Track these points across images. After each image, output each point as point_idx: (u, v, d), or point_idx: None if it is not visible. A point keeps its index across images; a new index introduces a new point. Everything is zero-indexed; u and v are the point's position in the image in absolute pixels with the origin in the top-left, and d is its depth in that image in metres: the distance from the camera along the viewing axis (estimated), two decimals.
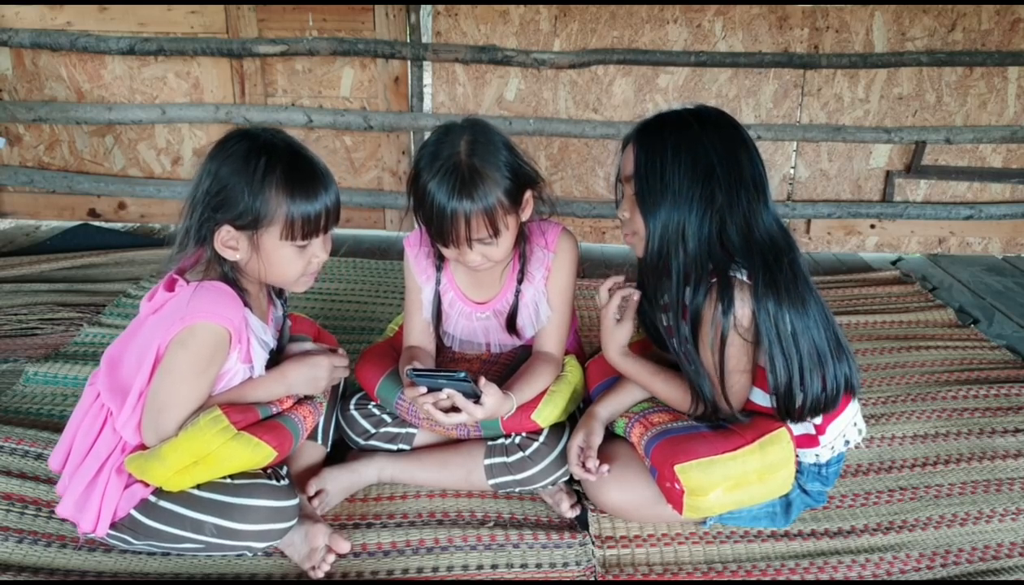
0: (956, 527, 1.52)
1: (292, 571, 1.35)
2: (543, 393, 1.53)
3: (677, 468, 1.32)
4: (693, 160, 1.32)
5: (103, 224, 3.19)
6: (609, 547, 1.43)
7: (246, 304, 1.32)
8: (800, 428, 1.42)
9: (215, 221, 1.26)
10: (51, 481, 1.48)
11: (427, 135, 1.60)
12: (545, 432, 1.52)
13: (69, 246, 2.90)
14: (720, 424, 1.39)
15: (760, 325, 1.29)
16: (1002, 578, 1.38)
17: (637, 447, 1.44)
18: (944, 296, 2.72)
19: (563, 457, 1.50)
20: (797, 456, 1.41)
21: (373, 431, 1.60)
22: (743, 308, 1.29)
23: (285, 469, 1.39)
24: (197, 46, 2.92)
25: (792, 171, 3.18)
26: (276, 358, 1.44)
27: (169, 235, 3.13)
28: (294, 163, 1.28)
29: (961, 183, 3.12)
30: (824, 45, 2.96)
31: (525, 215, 1.50)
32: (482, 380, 1.40)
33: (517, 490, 1.54)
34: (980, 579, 1.38)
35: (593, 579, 1.37)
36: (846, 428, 1.44)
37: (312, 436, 1.55)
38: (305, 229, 1.29)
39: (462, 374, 1.35)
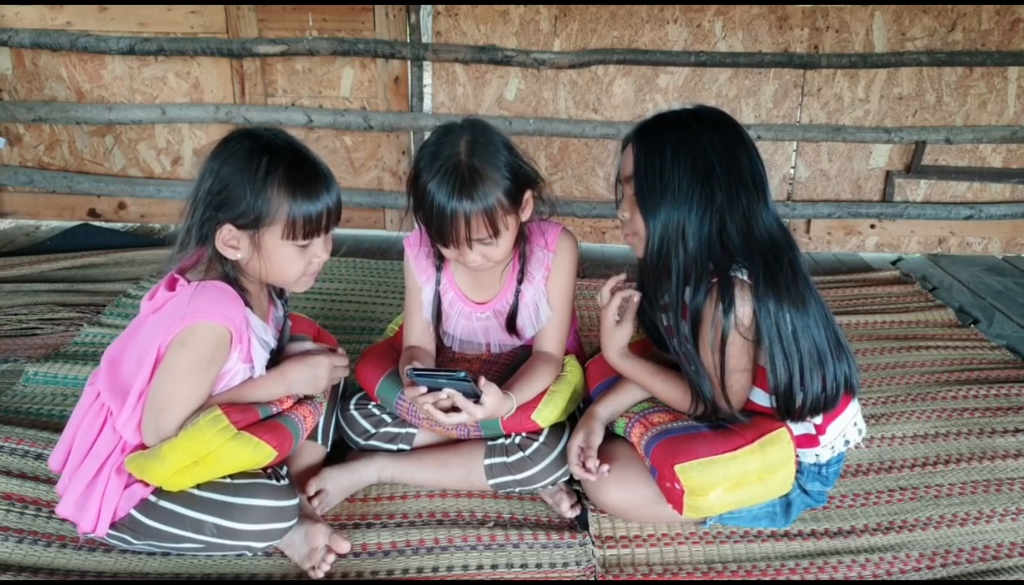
0: (956, 527, 1.52)
1: (292, 571, 1.35)
2: (543, 393, 1.53)
3: (677, 468, 1.32)
4: (692, 160, 1.32)
5: (103, 224, 3.19)
6: (609, 547, 1.43)
7: (247, 304, 1.32)
8: (800, 428, 1.42)
9: (217, 220, 1.26)
10: (51, 481, 1.48)
11: (427, 135, 1.60)
12: (545, 432, 1.52)
13: (69, 246, 2.90)
14: (720, 424, 1.39)
15: (761, 324, 1.29)
16: (1002, 578, 1.38)
17: (637, 447, 1.44)
18: (944, 296, 2.72)
19: (563, 457, 1.50)
20: (797, 456, 1.41)
21: (373, 431, 1.60)
22: (744, 307, 1.29)
23: (285, 469, 1.39)
24: (197, 46, 2.92)
25: (792, 171, 3.18)
26: (276, 358, 1.44)
27: (169, 235, 3.13)
28: (296, 163, 1.29)
29: (961, 183, 3.12)
30: (824, 45, 2.96)
31: (525, 215, 1.50)
32: (482, 380, 1.40)
33: (517, 490, 1.54)
34: (980, 579, 1.38)
35: (593, 579, 1.37)
36: (846, 428, 1.44)
37: (312, 436, 1.55)
38: (306, 229, 1.29)
39: (462, 374, 1.35)
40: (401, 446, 1.61)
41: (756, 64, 2.95)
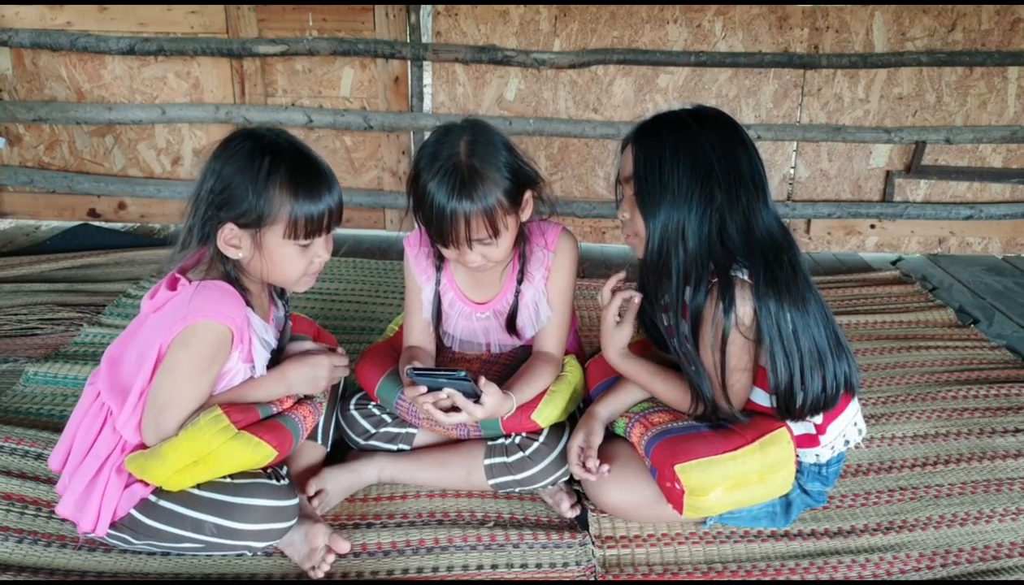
0: (956, 527, 1.52)
1: (292, 571, 1.35)
2: (543, 393, 1.53)
3: (677, 468, 1.32)
4: (692, 160, 1.32)
5: (103, 224, 3.19)
6: (609, 547, 1.43)
7: (248, 303, 1.32)
8: (800, 428, 1.42)
9: (218, 219, 1.27)
10: (51, 481, 1.48)
11: (427, 135, 1.61)
12: (545, 432, 1.52)
13: (69, 246, 2.90)
14: (720, 424, 1.39)
15: (761, 323, 1.29)
16: (1002, 578, 1.38)
17: (637, 447, 1.44)
18: (944, 296, 2.72)
19: (563, 457, 1.50)
20: (797, 456, 1.41)
21: (373, 431, 1.60)
22: (744, 306, 1.29)
23: (285, 469, 1.39)
24: (197, 46, 2.92)
25: (792, 171, 3.18)
26: (276, 358, 1.44)
27: (169, 235, 3.13)
28: (298, 163, 1.29)
29: (961, 183, 3.12)
30: (824, 45, 2.96)
31: (525, 215, 1.50)
32: (482, 380, 1.40)
33: (517, 490, 1.54)
34: (980, 579, 1.38)
35: (593, 579, 1.37)
36: (846, 428, 1.44)
37: (312, 436, 1.55)
38: (308, 228, 1.29)
39: (462, 374, 1.35)
40: (401, 446, 1.61)
41: (756, 64, 2.95)
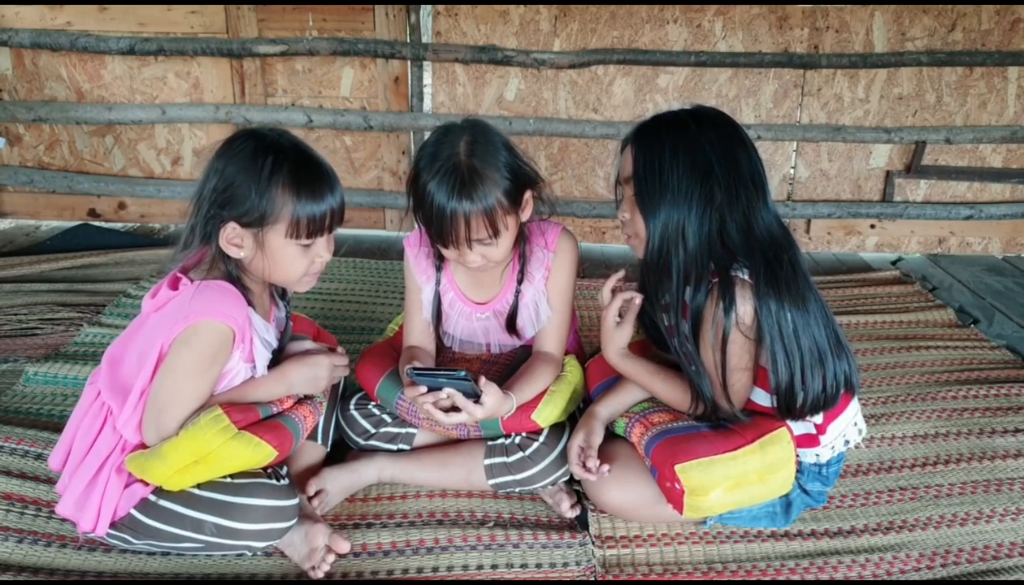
0: (956, 527, 1.52)
1: (292, 571, 1.35)
2: (543, 393, 1.53)
3: (677, 468, 1.32)
4: (691, 159, 1.32)
5: (103, 224, 3.19)
6: (609, 547, 1.43)
7: (249, 303, 1.33)
8: (800, 428, 1.42)
9: (221, 218, 1.27)
10: (51, 481, 1.48)
11: (427, 135, 1.61)
12: (545, 432, 1.52)
13: (69, 246, 2.90)
14: (720, 424, 1.39)
15: (762, 322, 1.29)
16: (1002, 578, 1.38)
17: (637, 447, 1.44)
18: (944, 296, 2.72)
19: (563, 457, 1.50)
20: (797, 456, 1.41)
21: (373, 431, 1.60)
22: (745, 306, 1.29)
23: (285, 469, 1.39)
24: (197, 46, 2.92)
25: (792, 171, 3.18)
26: (276, 358, 1.44)
27: (169, 235, 3.13)
28: (301, 163, 1.29)
29: (961, 183, 3.12)
30: (824, 45, 2.96)
31: (525, 215, 1.50)
32: (482, 380, 1.40)
33: (517, 490, 1.54)
34: (980, 579, 1.38)
35: (593, 579, 1.37)
36: (846, 428, 1.44)
37: (312, 436, 1.55)
38: (310, 228, 1.29)
39: (462, 373, 1.35)
40: (401, 446, 1.61)
41: (756, 64, 2.95)
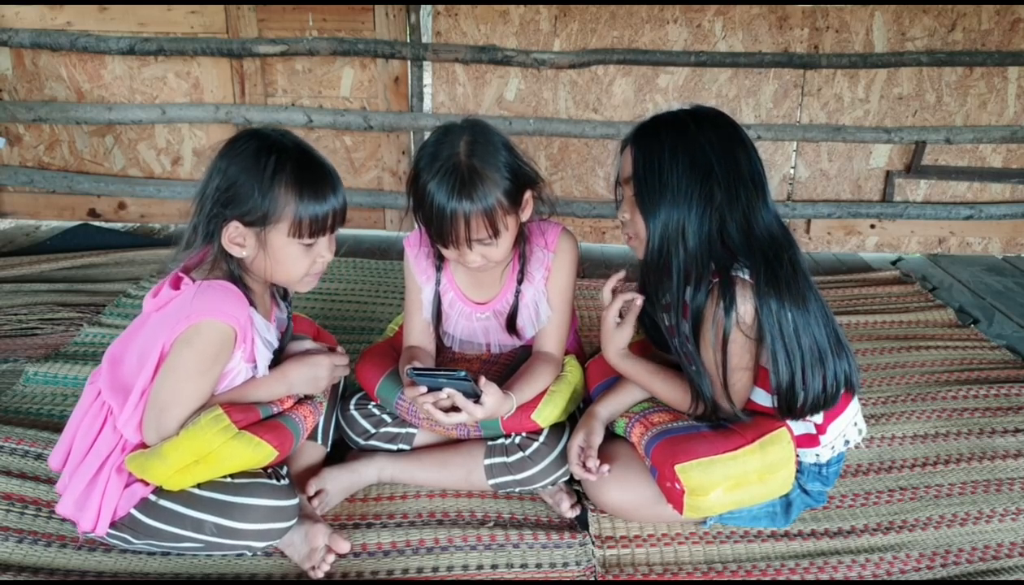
0: (956, 527, 1.52)
1: (292, 571, 1.35)
2: (543, 393, 1.53)
3: (677, 468, 1.32)
4: (691, 159, 1.32)
5: (103, 224, 3.19)
6: (609, 547, 1.43)
7: (251, 303, 1.33)
8: (801, 427, 1.42)
9: (223, 217, 1.27)
10: (51, 481, 1.48)
11: (427, 135, 1.61)
12: (545, 432, 1.52)
13: (69, 246, 2.90)
14: (720, 424, 1.40)
15: (763, 322, 1.29)
16: (1002, 578, 1.38)
17: (637, 447, 1.44)
18: (944, 296, 2.72)
19: (563, 457, 1.50)
20: (797, 456, 1.41)
21: (373, 431, 1.60)
22: (745, 305, 1.29)
23: (285, 469, 1.39)
24: (197, 46, 2.92)
25: (792, 171, 3.18)
26: (276, 359, 1.44)
27: (169, 235, 3.13)
28: (304, 163, 1.30)
29: (961, 183, 3.12)
30: (824, 45, 2.96)
31: (525, 215, 1.50)
32: (482, 380, 1.40)
33: (517, 490, 1.54)
34: (980, 579, 1.38)
35: (593, 579, 1.37)
36: (846, 428, 1.44)
37: (312, 436, 1.55)
38: (312, 228, 1.30)
39: (462, 374, 1.35)
40: (401, 446, 1.61)
41: (756, 64, 2.95)
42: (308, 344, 1.51)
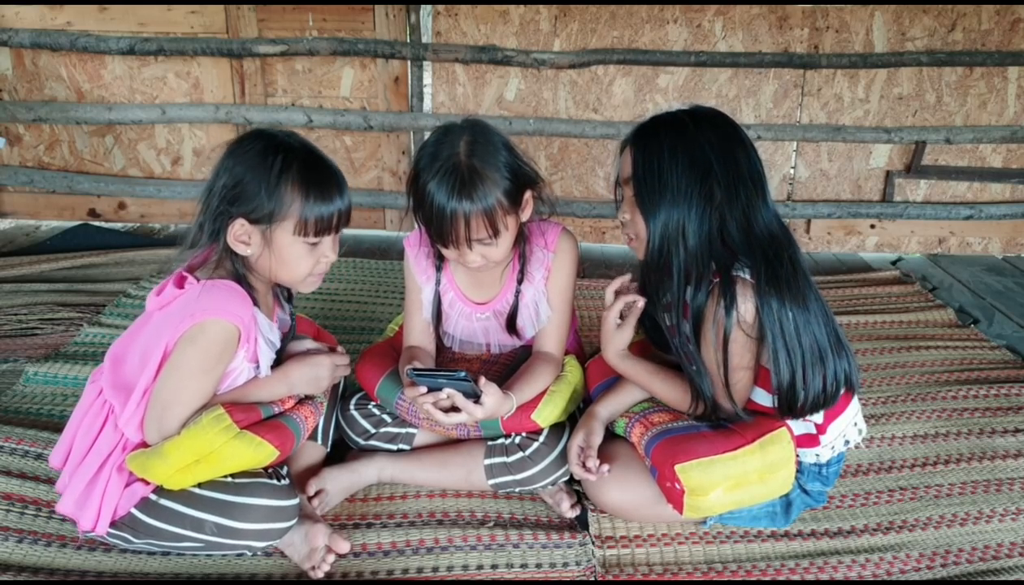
0: (956, 527, 1.52)
1: (292, 571, 1.35)
2: (543, 393, 1.53)
3: (677, 468, 1.32)
4: (690, 159, 1.32)
5: (103, 224, 3.19)
6: (609, 547, 1.43)
7: (255, 302, 1.33)
8: (801, 427, 1.42)
9: (229, 214, 1.28)
10: (51, 481, 1.48)
11: (427, 135, 1.61)
12: (545, 432, 1.52)
13: (69, 246, 2.90)
14: (720, 424, 1.40)
15: (764, 321, 1.29)
16: (1002, 578, 1.38)
17: (637, 447, 1.44)
18: (944, 296, 2.72)
19: (563, 457, 1.50)
20: (797, 456, 1.41)
21: (373, 431, 1.60)
22: (746, 304, 1.29)
23: (285, 469, 1.39)
24: (197, 46, 2.92)
25: (792, 171, 3.18)
26: (277, 359, 1.44)
27: (169, 235, 3.13)
28: (310, 163, 1.31)
29: (961, 183, 3.12)
30: (824, 45, 2.96)
31: (525, 215, 1.50)
32: (482, 380, 1.40)
33: (517, 490, 1.54)
34: (980, 579, 1.38)
35: (593, 579, 1.37)
36: (846, 428, 1.44)
37: (312, 436, 1.55)
38: (318, 226, 1.31)
39: (462, 374, 1.35)
40: (401, 446, 1.61)
41: (756, 64, 2.95)
42: (309, 344, 1.51)
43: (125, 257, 2.79)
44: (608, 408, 1.53)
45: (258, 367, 1.36)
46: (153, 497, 1.28)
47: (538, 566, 1.38)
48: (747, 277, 1.30)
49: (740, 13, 2.92)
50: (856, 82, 3.01)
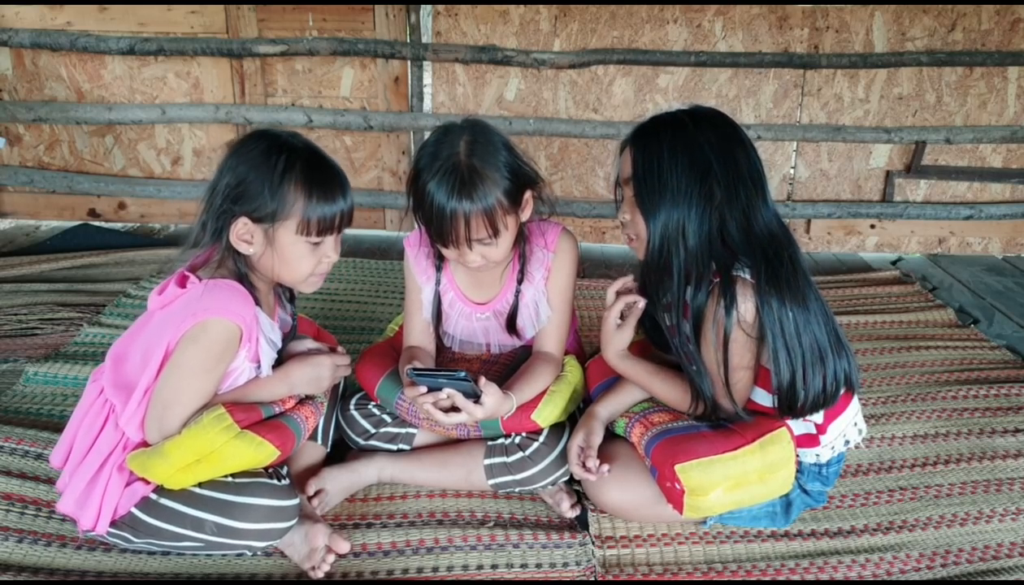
0: (956, 527, 1.52)
1: (292, 571, 1.35)
2: (543, 393, 1.53)
3: (677, 468, 1.32)
4: (690, 159, 1.32)
5: (103, 224, 3.19)
6: (609, 547, 1.43)
7: (256, 302, 1.33)
8: (801, 427, 1.42)
9: (232, 213, 1.28)
10: (51, 481, 1.48)
11: (427, 135, 1.61)
12: (545, 432, 1.52)
13: (69, 246, 2.90)
14: (720, 424, 1.40)
15: (764, 321, 1.29)
16: (1002, 578, 1.38)
17: (637, 447, 1.44)
18: (944, 296, 2.72)
19: (563, 457, 1.50)
20: (797, 456, 1.41)
21: (373, 431, 1.60)
22: (746, 304, 1.29)
23: (285, 469, 1.39)
24: (197, 46, 2.92)
25: (792, 171, 3.18)
26: (278, 360, 1.44)
27: (169, 235, 3.13)
28: (314, 163, 1.32)
29: (961, 183, 3.12)
30: (824, 45, 2.96)
31: (525, 215, 1.50)
32: (482, 380, 1.40)
33: (517, 490, 1.54)
34: (980, 579, 1.38)
35: (593, 579, 1.37)
36: (846, 428, 1.44)
37: (312, 436, 1.55)
38: (320, 226, 1.31)
39: (462, 374, 1.35)
40: (401, 446, 1.61)
41: (756, 64, 2.96)
42: (309, 344, 1.51)
43: (125, 257, 2.79)
44: (608, 408, 1.53)
45: (259, 367, 1.36)
46: (153, 496, 1.28)
47: (538, 566, 1.38)
48: (747, 277, 1.30)
49: (740, 13, 2.92)
50: (856, 82, 3.01)
